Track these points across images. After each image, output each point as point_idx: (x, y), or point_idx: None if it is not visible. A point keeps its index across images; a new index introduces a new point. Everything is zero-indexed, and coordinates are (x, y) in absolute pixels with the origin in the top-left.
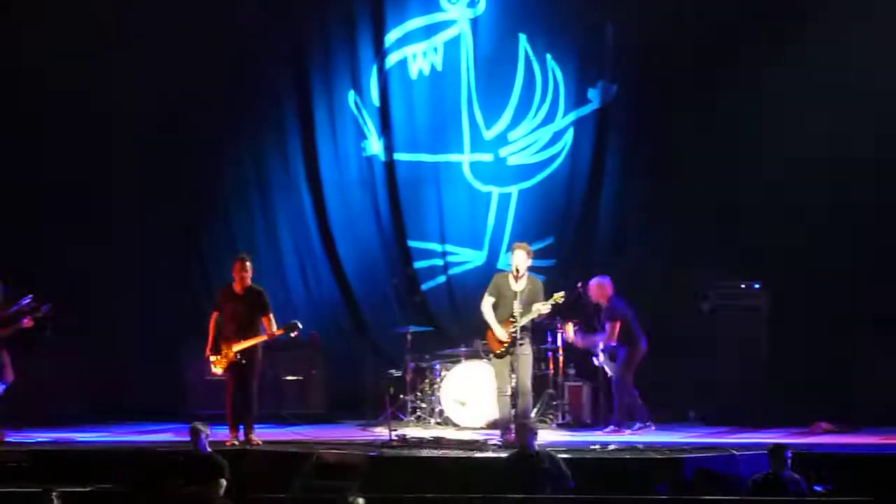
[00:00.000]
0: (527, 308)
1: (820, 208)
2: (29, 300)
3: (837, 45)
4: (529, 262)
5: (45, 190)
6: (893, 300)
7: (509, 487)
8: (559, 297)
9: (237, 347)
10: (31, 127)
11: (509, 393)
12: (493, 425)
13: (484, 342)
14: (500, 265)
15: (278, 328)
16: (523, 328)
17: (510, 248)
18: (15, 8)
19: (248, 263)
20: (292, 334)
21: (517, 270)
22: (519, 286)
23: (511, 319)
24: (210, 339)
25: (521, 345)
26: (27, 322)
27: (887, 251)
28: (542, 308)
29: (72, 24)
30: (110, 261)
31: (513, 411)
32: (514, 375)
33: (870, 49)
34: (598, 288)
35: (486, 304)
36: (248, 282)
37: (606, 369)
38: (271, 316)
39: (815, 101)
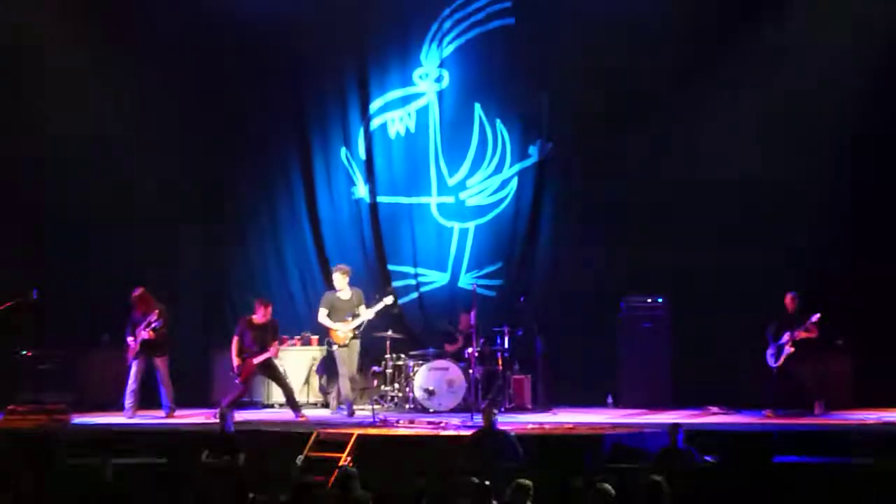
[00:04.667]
0: (355, 313)
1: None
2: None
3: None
4: (346, 279)
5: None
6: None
7: (475, 459)
8: (388, 299)
9: (257, 360)
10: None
11: (349, 376)
12: (347, 402)
13: (330, 341)
14: (460, 284)
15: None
16: (356, 327)
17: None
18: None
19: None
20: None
21: (336, 286)
22: (344, 296)
23: (346, 320)
24: (235, 356)
25: (354, 339)
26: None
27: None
28: (366, 314)
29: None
30: (157, 279)
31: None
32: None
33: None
34: (794, 301)
35: (322, 314)
36: (269, 315)
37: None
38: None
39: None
